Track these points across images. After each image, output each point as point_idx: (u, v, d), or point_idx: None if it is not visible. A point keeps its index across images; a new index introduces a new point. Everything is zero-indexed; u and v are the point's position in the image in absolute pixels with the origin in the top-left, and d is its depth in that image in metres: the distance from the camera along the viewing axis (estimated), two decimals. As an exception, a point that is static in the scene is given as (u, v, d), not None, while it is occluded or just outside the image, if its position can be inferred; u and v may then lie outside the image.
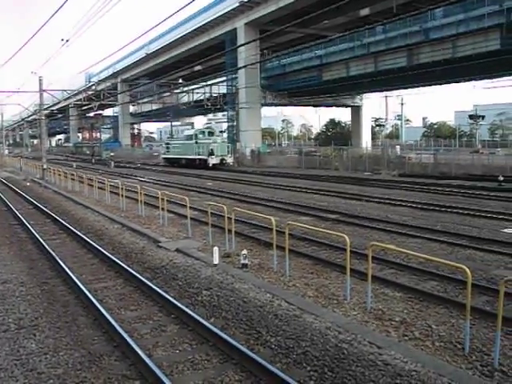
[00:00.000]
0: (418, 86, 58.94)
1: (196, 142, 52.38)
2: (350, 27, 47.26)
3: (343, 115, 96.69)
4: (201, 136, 53.43)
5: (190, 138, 55.12)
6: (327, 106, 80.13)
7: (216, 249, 11.85)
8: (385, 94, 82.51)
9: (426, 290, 9.77)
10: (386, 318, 8.35)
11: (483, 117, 71.90)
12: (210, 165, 49.60)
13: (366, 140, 70.18)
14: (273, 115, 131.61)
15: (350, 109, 76.80)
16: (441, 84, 56.31)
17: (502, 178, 30.00)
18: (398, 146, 63.04)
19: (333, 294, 9.58)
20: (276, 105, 72.64)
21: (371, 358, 6.69)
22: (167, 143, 62.76)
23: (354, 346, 7.12)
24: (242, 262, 11.48)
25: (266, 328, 7.88)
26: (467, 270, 6.98)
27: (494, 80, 55.03)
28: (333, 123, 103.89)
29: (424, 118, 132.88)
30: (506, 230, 15.71)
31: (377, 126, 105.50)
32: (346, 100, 70.73)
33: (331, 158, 49.85)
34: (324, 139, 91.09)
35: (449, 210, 20.14)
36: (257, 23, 54.61)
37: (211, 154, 50.11)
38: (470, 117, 74.96)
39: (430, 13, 38.76)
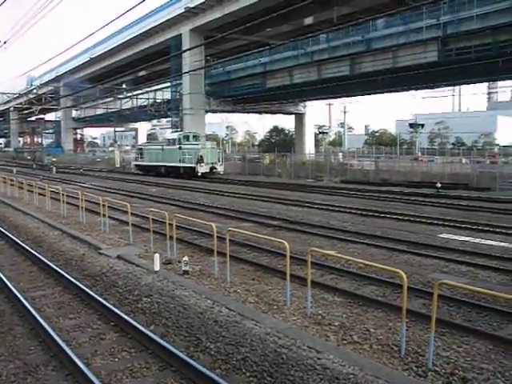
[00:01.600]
0: (360, 95, 60.32)
1: (180, 148, 45.81)
2: (294, 35, 47.86)
3: (287, 122, 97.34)
4: (185, 141, 46.66)
5: (171, 142, 48.15)
6: (271, 113, 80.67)
7: (157, 255, 11.75)
8: (328, 101, 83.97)
9: (365, 294, 9.97)
10: (325, 323, 8.47)
11: (423, 125, 73.74)
12: (199, 174, 43.56)
13: (309, 147, 71.11)
14: (217, 122, 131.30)
15: (293, 116, 77.47)
16: (382, 93, 57.95)
17: (439, 185, 31.04)
18: (340, 153, 64.41)
19: (273, 300, 9.65)
20: (220, 111, 72.65)
21: (310, 363, 6.76)
22: (140, 148, 55.93)
23: (294, 350, 7.18)
24: (183, 268, 11.43)
25: (205, 334, 7.87)
26: (403, 274, 7.16)
27: (432, 90, 57.00)
28: (276, 130, 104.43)
29: (366, 126, 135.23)
30: (441, 235, 16.21)
31: (320, 133, 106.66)
32: (290, 107, 71.31)
33: (266, 163, 50.12)
34: (268, 146, 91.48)
35: (388, 215, 20.61)
36: (202, 29, 54.55)
37: (200, 161, 43.73)
38: (410, 125, 76.79)
39: (372, 23, 39.59)
